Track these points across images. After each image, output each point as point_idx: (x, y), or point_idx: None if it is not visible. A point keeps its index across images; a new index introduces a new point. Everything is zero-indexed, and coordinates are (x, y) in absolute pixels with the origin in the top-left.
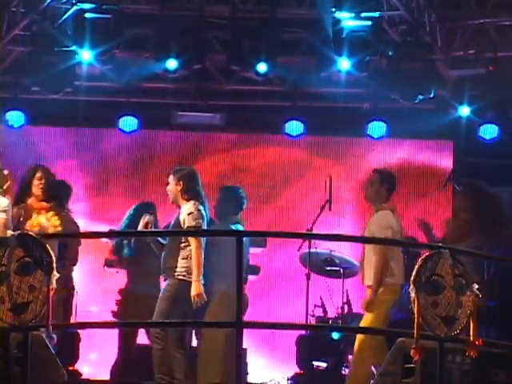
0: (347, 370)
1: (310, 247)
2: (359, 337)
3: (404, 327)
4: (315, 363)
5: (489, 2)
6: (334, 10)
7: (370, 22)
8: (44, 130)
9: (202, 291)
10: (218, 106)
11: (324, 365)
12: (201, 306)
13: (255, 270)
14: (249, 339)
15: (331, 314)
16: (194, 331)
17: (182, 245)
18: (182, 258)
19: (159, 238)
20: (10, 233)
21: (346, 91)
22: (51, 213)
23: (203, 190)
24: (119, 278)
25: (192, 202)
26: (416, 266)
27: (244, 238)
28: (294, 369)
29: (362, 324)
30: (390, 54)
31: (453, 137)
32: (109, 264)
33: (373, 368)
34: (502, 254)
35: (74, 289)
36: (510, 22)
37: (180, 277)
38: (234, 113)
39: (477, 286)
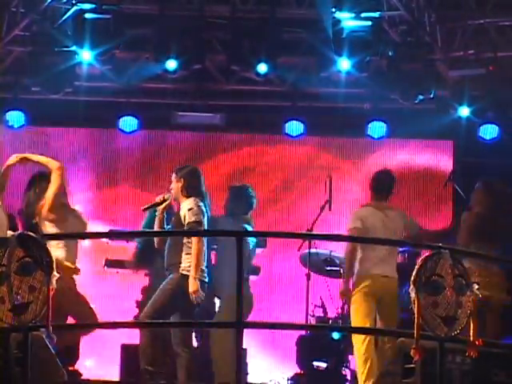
0: (347, 370)
1: (310, 247)
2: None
3: (404, 327)
4: (315, 363)
5: (489, 1)
6: (334, 10)
7: (370, 22)
8: (44, 130)
9: (199, 288)
10: (218, 106)
11: (324, 365)
12: (201, 302)
13: (255, 271)
14: (249, 339)
15: (331, 314)
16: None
17: (185, 240)
18: (186, 254)
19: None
20: (10, 233)
21: (346, 91)
22: None
23: (205, 188)
24: (119, 278)
25: (192, 198)
26: (416, 266)
27: (251, 239)
28: (294, 369)
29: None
30: (390, 54)
31: (453, 137)
32: (109, 264)
33: None
34: None
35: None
36: (510, 21)
37: (184, 272)
38: (234, 113)
39: (477, 286)
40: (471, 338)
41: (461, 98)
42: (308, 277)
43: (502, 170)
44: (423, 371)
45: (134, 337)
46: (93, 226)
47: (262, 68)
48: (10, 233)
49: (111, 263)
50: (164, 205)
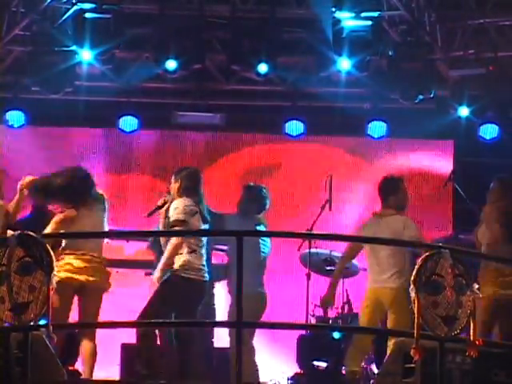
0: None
1: (310, 247)
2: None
3: None
4: (315, 363)
5: (489, 1)
6: (333, 9)
7: (370, 22)
8: (44, 130)
9: (161, 278)
10: (218, 106)
11: (324, 365)
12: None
13: None
14: None
15: (331, 313)
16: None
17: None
18: (178, 254)
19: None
20: (10, 232)
21: (346, 91)
22: None
23: (203, 190)
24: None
25: (183, 198)
26: (416, 266)
27: (267, 244)
28: (294, 368)
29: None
30: (390, 53)
31: (453, 137)
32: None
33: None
34: None
35: None
36: (510, 21)
37: (177, 272)
38: (234, 113)
39: (477, 286)
40: (471, 338)
41: (461, 97)
42: (308, 277)
43: (501, 170)
44: (423, 371)
45: (134, 337)
46: None
47: (262, 68)
48: (10, 233)
49: (111, 263)
50: (165, 207)
